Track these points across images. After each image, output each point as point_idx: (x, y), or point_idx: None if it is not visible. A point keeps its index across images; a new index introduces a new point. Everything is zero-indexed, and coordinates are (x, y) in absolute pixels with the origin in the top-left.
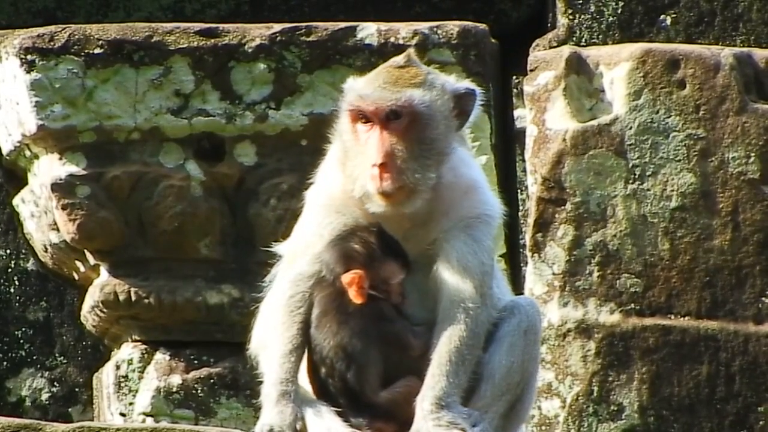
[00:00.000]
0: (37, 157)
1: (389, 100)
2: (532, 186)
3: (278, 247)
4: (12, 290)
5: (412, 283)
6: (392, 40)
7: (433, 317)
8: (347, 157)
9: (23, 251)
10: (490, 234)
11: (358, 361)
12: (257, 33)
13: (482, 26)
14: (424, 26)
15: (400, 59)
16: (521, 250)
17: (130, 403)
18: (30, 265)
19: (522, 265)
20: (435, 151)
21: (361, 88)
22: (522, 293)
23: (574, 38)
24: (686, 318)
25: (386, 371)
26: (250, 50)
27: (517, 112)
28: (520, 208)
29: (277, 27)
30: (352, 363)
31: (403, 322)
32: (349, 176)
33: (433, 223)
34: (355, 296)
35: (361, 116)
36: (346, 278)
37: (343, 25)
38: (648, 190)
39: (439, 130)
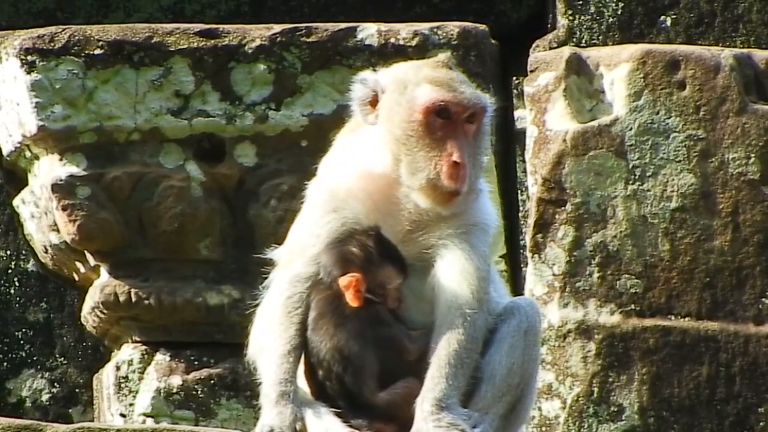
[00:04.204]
0: (37, 157)
1: (474, 103)
2: (533, 187)
3: (273, 253)
4: (12, 291)
5: (408, 288)
6: (392, 40)
7: (429, 322)
8: (408, 147)
9: (23, 252)
10: (486, 241)
11: (355, 363)
12: (257, 34)
13: (482, 27)
14: (424, 27)
15: (445, 60)
16: (521, 251)
17: (131, 404)
18: (30, 266)
19: (522, 266)
20: (484, 158)
21: (440, 83)
22: (522, 294)
23: (574, 39)
24: (686, 319)
25: (383, 373)
26: (250, 51)
27: (517, 113)
28: (521, 209)
29: (277, 28)
30: (349, 365)
31: (399, 326)
32: (408, 166)
33: (433, 228)
34: (351, 299)
35: (441, 111)
36: (343, 281)
37: (343, 25)
38: (648, 190)
39: (488, 139)
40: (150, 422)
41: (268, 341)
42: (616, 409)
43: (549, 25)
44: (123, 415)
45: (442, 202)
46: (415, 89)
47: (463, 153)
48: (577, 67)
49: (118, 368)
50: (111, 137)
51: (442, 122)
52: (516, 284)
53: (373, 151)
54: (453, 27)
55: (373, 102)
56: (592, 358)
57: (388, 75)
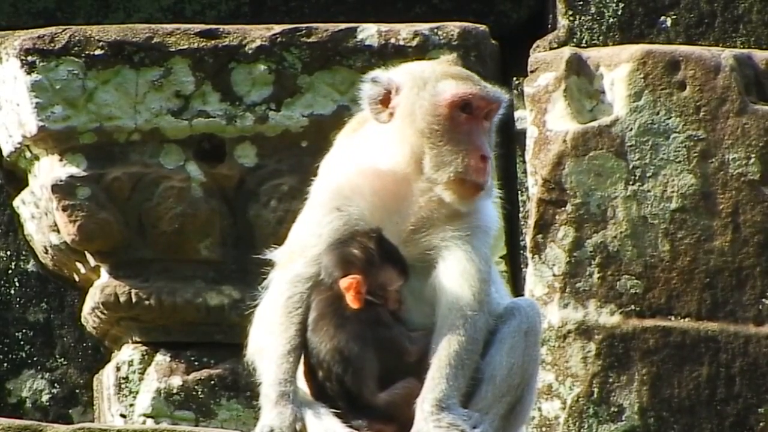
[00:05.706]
0: (37, 158)
1: (497, 98)
2: (533, 187)
3: (273, 254)
4: (12, 292)
5: (408, 289)
6: (392, 41)
7: (430, 323)
8: (433, 141)
9: (24, 253)
10: (487, 243)
11: (354, 364)
12: (257, 34)
13: (482, 27)
14: (424, 27)
15: (453, 60)
16: (522, 251)
17: (131, 405)
18: (30, 266)
19: (522, 266)
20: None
21: (463, 78)
22: (522, 295)
23: (575, 39)
24: (686, 319)
25: (383, 374)
26: (250, 51)
27: (517, 114)
28: (521, 209)
29: (278, 28)
30: (349, 366)
31: (399, 327)
32: (433, 160)
33: (436, 230)
34: (352, 301)
35: (465, 106)
36: (344, 283)
37: (343, 26)
38: (648, 191)
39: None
40: (150, 423)
41: (268, 341)
42: (616, 410)
43: (549, 26)
44: (123, 416)
45: (466, 197)
46: (438, 84)
47: (487, 148)
48: (577, 68)
49: (118, 369)
50: (111, 138)
51: (465, 117)
52: (516, 285)
53: (381, 148)
54: (453, 27)
55: (385, 101)
56: (592, 358)
57: (403, 73)
